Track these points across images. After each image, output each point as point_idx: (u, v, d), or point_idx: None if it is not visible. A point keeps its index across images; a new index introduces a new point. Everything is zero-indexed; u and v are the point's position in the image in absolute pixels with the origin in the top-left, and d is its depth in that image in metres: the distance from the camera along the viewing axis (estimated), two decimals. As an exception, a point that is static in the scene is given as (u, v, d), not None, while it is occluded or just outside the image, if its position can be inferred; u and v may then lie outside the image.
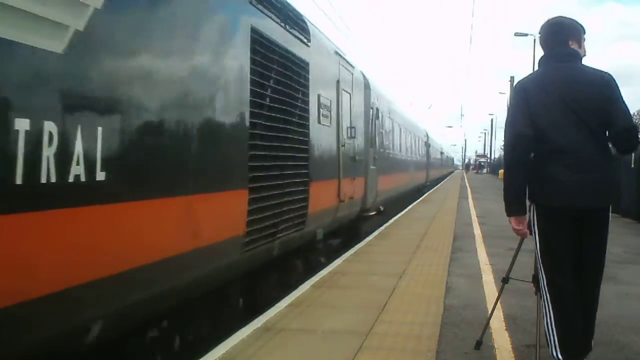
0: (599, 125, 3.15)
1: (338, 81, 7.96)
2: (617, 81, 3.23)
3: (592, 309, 3.24)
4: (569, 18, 3.44)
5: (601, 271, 3.27)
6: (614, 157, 3.26)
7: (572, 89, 3.18)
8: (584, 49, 3.40)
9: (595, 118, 3.13)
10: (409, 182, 19.55)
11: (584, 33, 3.41)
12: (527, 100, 3.25)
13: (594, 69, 3.30)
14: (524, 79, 3.40)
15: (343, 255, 7.63)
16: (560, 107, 3.16)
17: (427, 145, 29.55)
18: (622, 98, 3.18)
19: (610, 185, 3.21)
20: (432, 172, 34.05)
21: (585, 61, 3.39)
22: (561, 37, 3.33)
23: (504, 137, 3.42)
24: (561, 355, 3.16)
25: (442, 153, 51.12)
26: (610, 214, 3.25)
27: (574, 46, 3.31)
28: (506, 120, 3.41)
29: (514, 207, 3.33)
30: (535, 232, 3.34)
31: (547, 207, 3.24)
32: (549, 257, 3.27)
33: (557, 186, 3.16)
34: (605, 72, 3.27)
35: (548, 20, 3.45)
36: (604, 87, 3.16)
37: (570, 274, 3.23)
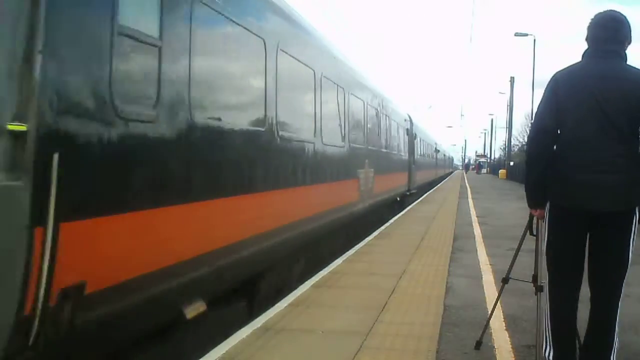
0: (628, 125, 2.99)
1: None
2: None
3: (604, 318, 3.09)
4: (619, 15, 3.20)
5: (618, 281, 3.08)
6: None
7: (606, 86, 3.02)
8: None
9: (625, 118, 2.98)
10: (360, 196, 9.98)
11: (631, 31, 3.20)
12: (556, 94, 3.16)
13: (638, 69, 3.11)
14: (559, 70, 3.25)
15: (343, 255, 7.62)
16: (589, 103, 3.03)
17: (411, 135, 19.90)
18: None
19: (631, 189, 3.00)
20: (421, 174, 24.02)
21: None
22: (609, 36, 3.14)
23: (530, 129, 3.39)
24: (553, 357, 3.17)
25: (437, 150, 39.11)
26: (634, 219, 3.05)
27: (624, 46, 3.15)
28: (535, 112, 3.34)
29: (533, 201, 3.33)
30: (545, 230, 3.32)
31: (559, 206, 3.17)
32: (553, 257, 3.24)
33: (571, 185, 3.07)
34: None
35: (597, 16, 3.23)
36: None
37: (572, 277, 3.19)
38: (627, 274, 3.10)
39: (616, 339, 3.09)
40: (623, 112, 2.98)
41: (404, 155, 17.74)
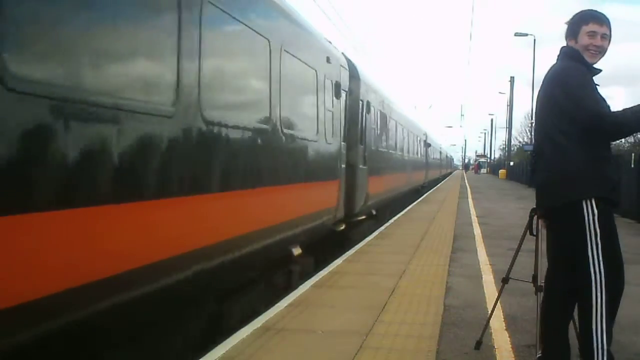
0: (552, 125, 3.13)
1: None
2: (567, 77, 3.09)
3: (580, 317, 3.07)
4: (579, 12, 3.30)
5: (583, 279, 3.00)
6: (584, 155, 3.03)
7: (540, 90, 3.30)
8: (583, 39, 3.16)
9: (549, 118, 3.16)
10: None
11: (586, 22, 3.18)
12: None
13: (556, 65, 3.25)
14: None
15: (343, 255, 7.62)
16: (536, 110, 3.37)
17: (353, 101, 10.02)
18: (571, 93, 3.03)
19: (559, 186, 3.11)
20: (389, 181, 14.37)
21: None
22: (565, 36, 3.33)
23: None
24: (540, 354, 3.21)
25: (428, 144, 27.51)
26: (580, 218, 3.01)
27: (570, 42, 3.25)
28: None
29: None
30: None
31: None
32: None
33: (535, 186, 3.40)
34: (557, 68, 3.20)
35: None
36: (554, 86, 3.15)
37: (554, 273, 3.24)
38: (597, 275, 2.98)
39: (599, 343, 2.93)
40: (546, 114, 3.19)
41: (326, 143, 7.85)
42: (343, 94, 8.88)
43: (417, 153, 22.50)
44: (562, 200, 3.10)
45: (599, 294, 2.97)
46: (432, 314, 4.70)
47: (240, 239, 4.86)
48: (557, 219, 3.18)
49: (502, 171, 50.58)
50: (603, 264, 2.99)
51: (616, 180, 3.21)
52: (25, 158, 2.60)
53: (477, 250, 8.28)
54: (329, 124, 7.91)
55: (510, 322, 4.48)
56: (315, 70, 7.27)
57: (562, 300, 3.20)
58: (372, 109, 11.50)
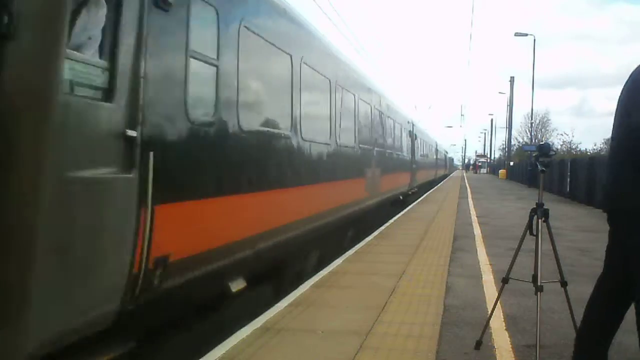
0: (629, 124, 2.91)
1: None
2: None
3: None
4: None
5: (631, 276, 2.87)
6: None
7: (623, 89, 3.08)
8: None
9: (627, 118, 2.93)
10: None
11: None
12: None
13: None
14: None
15: (343, 255, 7.63)
16: (618, 109, 3.09)
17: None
18: None
19: (615, 190, 2.96)
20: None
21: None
22: None
23: None
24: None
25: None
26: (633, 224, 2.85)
27: None
28: None
29: None
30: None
31: None
32: None
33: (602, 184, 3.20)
34: None
35: None
36: (633, 82, 2.94)
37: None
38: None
39: None
40: (628, 114, 2.93)
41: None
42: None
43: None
44: (625, 203, 2.91)
45: None
46: (432, 314, 4.70)
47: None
48: (617, 223, 3.00)
49: (502, 171, 50.60)
50: None
51: None
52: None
53: (477, 250, 8.28)
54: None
55: (510, 322, 4.48)
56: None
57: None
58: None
